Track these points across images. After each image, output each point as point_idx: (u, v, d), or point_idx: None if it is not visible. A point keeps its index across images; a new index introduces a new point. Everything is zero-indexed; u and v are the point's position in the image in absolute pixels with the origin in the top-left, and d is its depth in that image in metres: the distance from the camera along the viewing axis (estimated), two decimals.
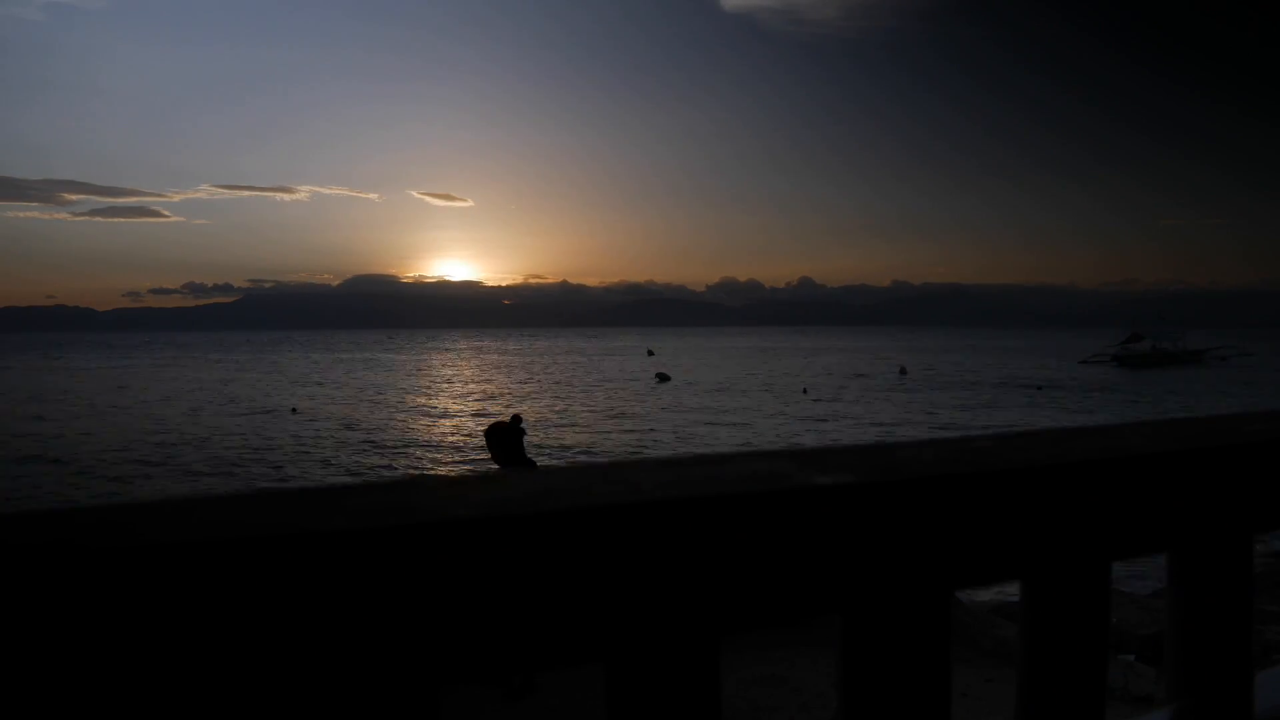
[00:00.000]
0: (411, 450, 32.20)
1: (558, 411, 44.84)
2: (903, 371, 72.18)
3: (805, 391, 54.55)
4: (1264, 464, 0.86)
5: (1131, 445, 0.81)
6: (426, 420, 41.92)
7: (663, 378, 66.86)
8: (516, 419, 6.43)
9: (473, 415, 43.81)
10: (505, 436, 6.18)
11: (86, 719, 0.44)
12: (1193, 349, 77.03)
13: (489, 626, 0.52)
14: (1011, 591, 0.88)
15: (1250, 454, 0.85)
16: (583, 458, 28.64)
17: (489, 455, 6.25)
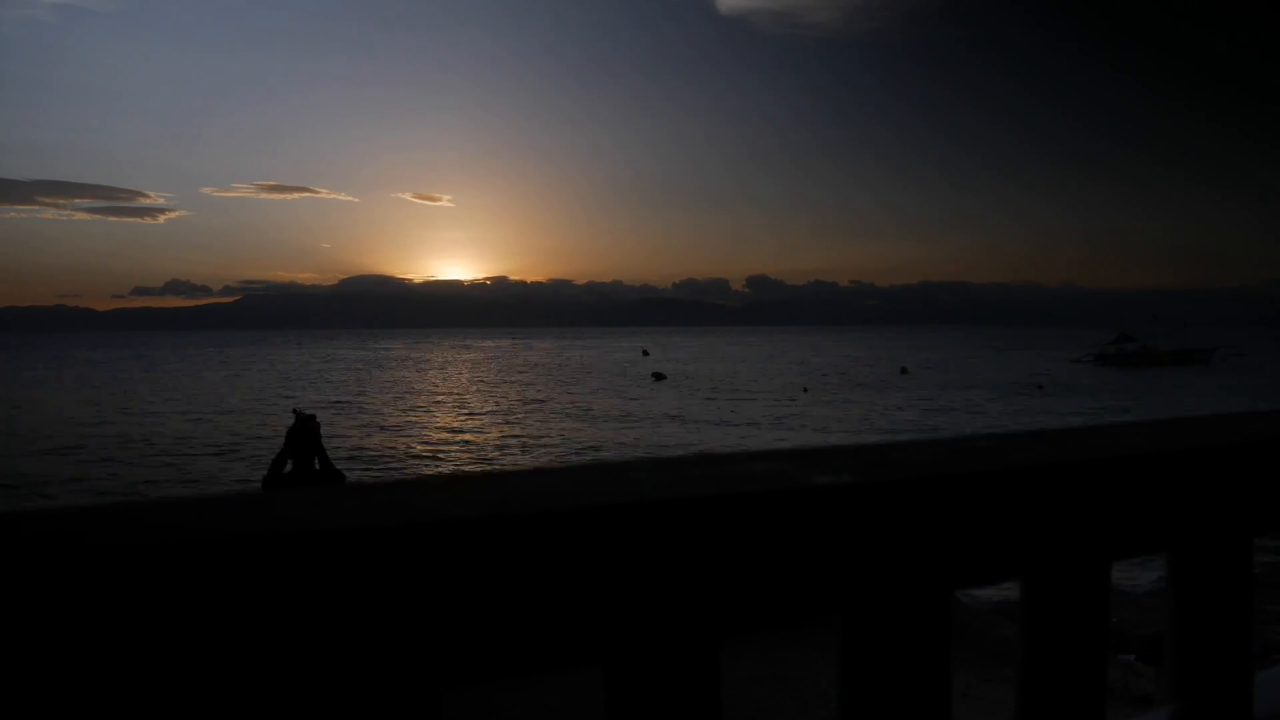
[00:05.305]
0: (411, 451, 32.21)
1: (556, 411, 44.85)
2: (904, 371, 72.12)
3: (805, 390, 54.52)
4: (1264, 464, 0.86)
5: (1131, 445, 0.81)
6: (426, 420, 41.94)
7: (659, 377, 66.71)
8: (312, 418, 6.47)
9: (472, 416, 43.85)
10: (300, 433, 6.22)
11: (88, 716, 0.44)
12: (1187, 348, 76.66)
13: (489, 627, 0.52)
14: (1012, 591, 0.88)
15: (1250, 454, 0.85)
16: (582, 458, 28.66)
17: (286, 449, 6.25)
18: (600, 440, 33.77)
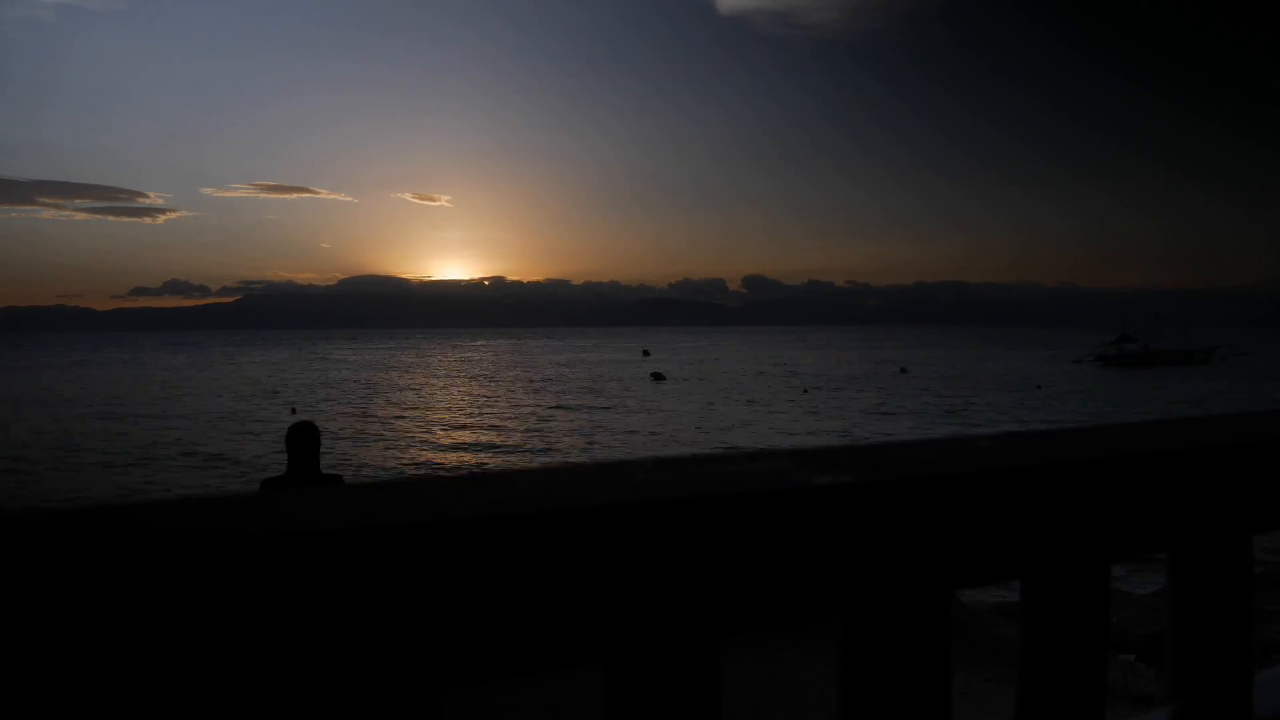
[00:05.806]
0: (411, 450, 32.19)
1: (556, 411, 44.86)
2: (903, 370, 72.09)
3: (805, 391, 54.48)
4: (1264, 464, 0.86)
5: (1131, 445, 0.81)
6: (425, 420, 41.93)
7: (658, 377, 66.60)
8: (310, 424, 6.36)
9: (473, 416, 43.84)
10: (302, 439, 6.11)
11: (89, 715, 0.44)
12: (1187, 348, 76.81)
13: (489, 627, 0.52)
14: (1012, 591, 0.88)
15: (1250, 454, 0.85)
16: (582, 458, 28.65)
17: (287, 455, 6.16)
18: (599, 440, 33.76)
